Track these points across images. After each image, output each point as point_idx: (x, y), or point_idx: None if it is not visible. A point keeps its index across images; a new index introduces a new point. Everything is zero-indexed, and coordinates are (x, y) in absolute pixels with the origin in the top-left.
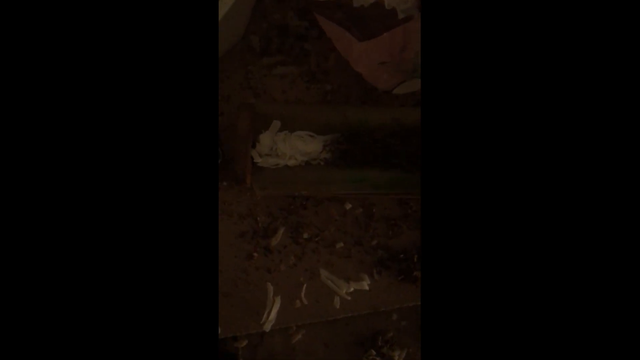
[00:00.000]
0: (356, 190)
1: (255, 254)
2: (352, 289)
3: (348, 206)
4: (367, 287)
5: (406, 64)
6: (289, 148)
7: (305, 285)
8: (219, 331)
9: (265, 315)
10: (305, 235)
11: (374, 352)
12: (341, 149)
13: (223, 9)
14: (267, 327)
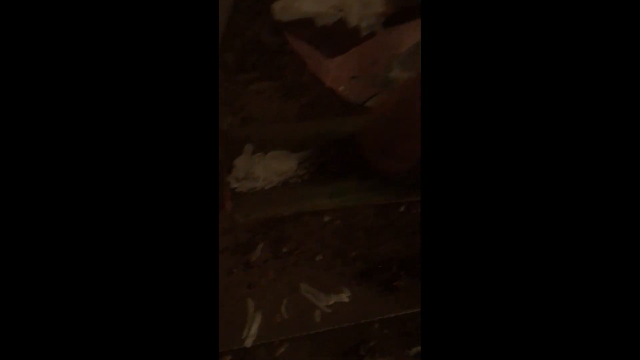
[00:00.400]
0: (337, 204)
1: (234, 270)
2: (332, 302)
3: (327, 218)
4: (347, 300)
5: (377, 77)
6: (263, 170)
7: (285, 300)
8: None
9: (246, 331)
10: (285, 249)
11: None
12: (317, 164)
13: None
14: (249, 343)
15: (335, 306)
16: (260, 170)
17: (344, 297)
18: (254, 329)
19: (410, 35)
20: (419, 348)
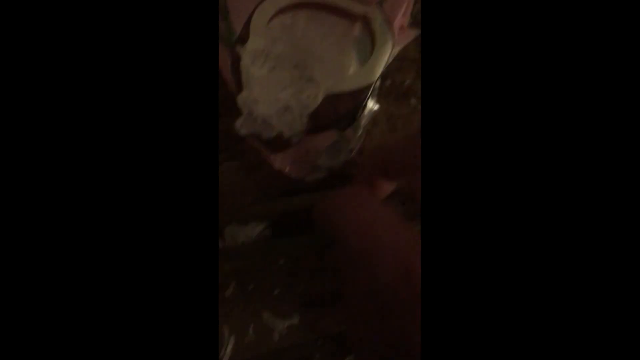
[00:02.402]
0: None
1: None
2: (287, 324)
3: (281, 261)
4: (297, 322)
5: (309, 165)
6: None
7: (252, 325)
8: None
9: (222, 351)
10: (251, 287)
11: None
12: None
13: None
14: None
15: (289, 328)
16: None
17: (295, 320)
18: (229, 349)
19: (326, 139)
20: (351, 357)
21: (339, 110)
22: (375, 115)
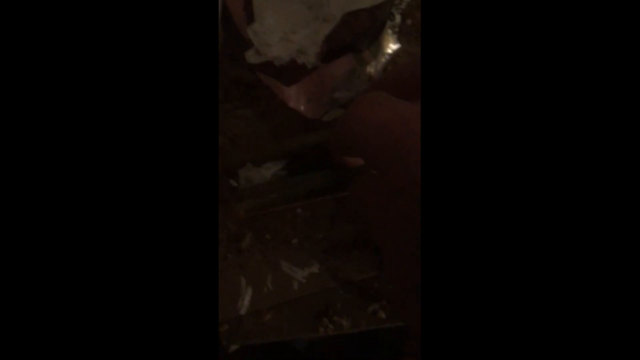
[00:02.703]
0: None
1: (229, 255)
2: (306, 273)
3: (299, 211)
4: (317, 271)
5: (326, 99)
6: (257, 175)
7: (270, 275)
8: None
9: (240, 302)
10: (267, 236)
11: (326, 321)
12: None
13: None
14: (243, 312)
15: (308, 277)
16: (255, 175)
17: (315, 269)
18: (246, 301)
19: (343, 65)
20: (376, 306)
21: (356, 30)
22: (395, 54)
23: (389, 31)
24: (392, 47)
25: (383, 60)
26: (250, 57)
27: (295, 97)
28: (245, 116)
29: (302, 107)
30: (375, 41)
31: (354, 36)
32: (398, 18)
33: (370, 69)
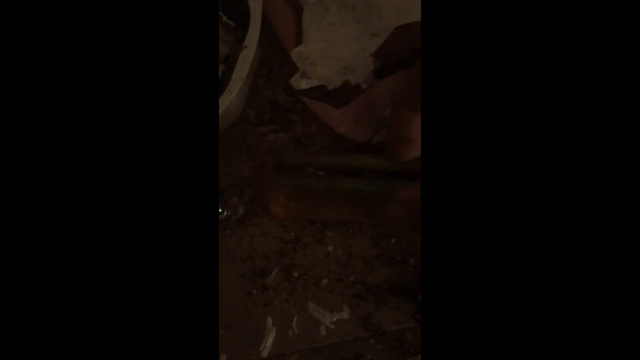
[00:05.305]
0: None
1: (254, 291)
2: (335, 319)
3: (330, 248)
4: (347, 317)
5: (373, 117)
6: None
7: (296, 317)
8: (225, 358)
9: (263, 344)
10: (295, 274)
11: None
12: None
13: (228, 98)
14: (265, 354)
15: (337, 322)
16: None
17: (345, 314)
18: (269, 342)
19: (398, 82)
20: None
21: (413, 45)
22: None
23: None
24: None
25: None
26: (297, 82)
27: (340, 120)
28: (277, 141)
29: (350, 131)
30: None
31: (409, 50)
32: None
33: None
